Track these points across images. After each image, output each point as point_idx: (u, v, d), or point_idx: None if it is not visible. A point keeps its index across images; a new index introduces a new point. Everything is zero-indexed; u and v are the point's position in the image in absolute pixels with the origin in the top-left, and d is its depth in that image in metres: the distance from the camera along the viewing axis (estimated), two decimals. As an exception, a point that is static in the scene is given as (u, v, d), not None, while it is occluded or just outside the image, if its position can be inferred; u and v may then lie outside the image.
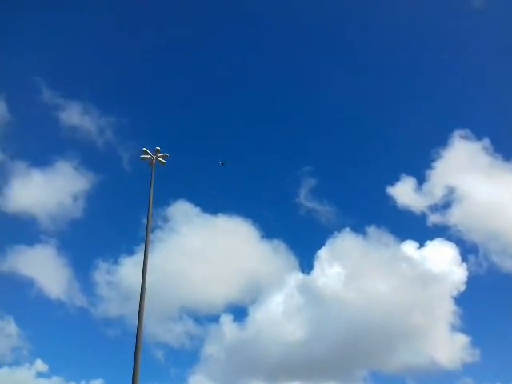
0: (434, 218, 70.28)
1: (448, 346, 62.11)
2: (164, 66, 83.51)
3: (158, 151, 21.18)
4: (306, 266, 72.08)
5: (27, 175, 68.81)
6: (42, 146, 79.30)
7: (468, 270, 64.57)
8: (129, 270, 62.31)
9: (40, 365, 58.06)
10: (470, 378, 62.79)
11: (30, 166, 69.83)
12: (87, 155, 76.18)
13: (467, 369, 64.54)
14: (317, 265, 67.82)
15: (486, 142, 71.04)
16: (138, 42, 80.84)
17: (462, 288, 62.25)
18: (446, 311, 61.05)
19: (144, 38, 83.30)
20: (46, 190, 70.33)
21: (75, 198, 69.67)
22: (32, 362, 57.80)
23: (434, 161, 72.95)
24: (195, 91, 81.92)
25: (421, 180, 71.74)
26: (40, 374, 57.70)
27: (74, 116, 69.51)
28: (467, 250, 69.69)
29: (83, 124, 70.65)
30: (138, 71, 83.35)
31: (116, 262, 69.24)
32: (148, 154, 21.22)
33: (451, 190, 70.16)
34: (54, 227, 69.63)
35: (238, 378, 65.46)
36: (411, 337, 60.13)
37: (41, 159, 77.00)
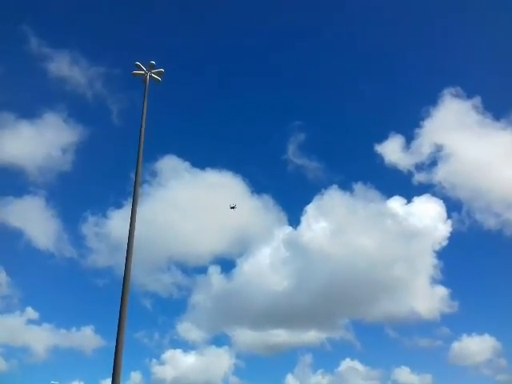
0: (419, 177, 70.45)
1: (428, 298, 63.87)
2: (158, 10, 78.98)
3: (152, 66, 19.39)
4: (294, 220, 72.13)
5: (15, 127, 65.65)
6: (30, 98, 75.74)
7: (452, 226, 65.62)
8: (117, 222, 61.17)
9: (31, 312, 57.88)
10: (448, 328, 64.94)
11: (18, 118, 66.66)
12: (76, 107, 73.04)
13: (445, 319, 66.71)
14: (304, 220, 67.81)
15: (477, 100, 70.45)
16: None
17: (445, 243, 63.35)
18: (427, 265, 62.32)
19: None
20: (35, 142, 67.49)
21: (64, 150, 67.26)
22: (23, 310, 57.46)
23: (423, 119, 72.33)
24: (190, 40, 78.20)
25: (409, 138, 71.29)
26: (31, 321, 57.54)
27: (63, 66, 65.80)
28: (451, 207, 70.50)
29: (72, 75, 67.07)
30: (130, 18, 78.76)
31: (104, 215, 68.01)
32: (141, 69, 19.43)
33: (439, 149, 70.03)
34: (43, 179, 67.46)
35: (224, 325, 66.33)
36: (393, 288, 61.49)
37: (29, 111, 73.81)
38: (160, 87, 20.29)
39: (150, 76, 19.42)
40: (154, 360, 61.77)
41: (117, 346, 13.97)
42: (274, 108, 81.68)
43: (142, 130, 18.61)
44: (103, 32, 75.98)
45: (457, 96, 70.75)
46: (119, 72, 68.79)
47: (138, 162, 17.74)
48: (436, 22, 78.03)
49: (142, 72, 19.42)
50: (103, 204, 77.36)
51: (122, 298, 14.72)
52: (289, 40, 79.97)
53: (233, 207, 55.70)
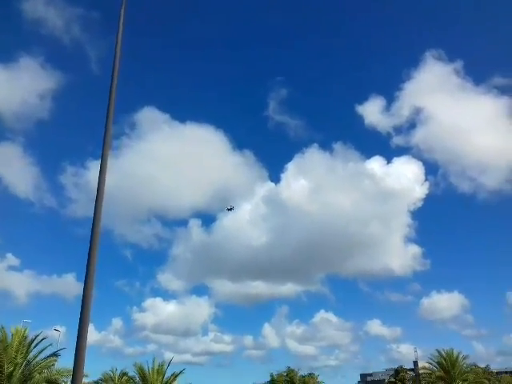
0: (397, 139, 71.59)
1: (401, 255, 66.88)
2: None
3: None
4: (274, 177, 73.30)
5: (-11, 71, 63.08)
6: (4, 40, 72.33)
7: (429, 188, 67.98)
8: (96, 173, 61.37)
9: (11, 259, 58.74)
10: (419, 284, 68.60)
11: (-8, 62, 63.79)
12: (53, 52, 69.79)
13: (417, 276, 70.22)
14: (284, 177, 68.97)
15: (459, 64, 70.73)
16: None
17: (420, 204, 65.76)
18: (402, 224, 64.73)
19: None
20: (11, 87, 65.35)
21: (41, 97, 65.43)
22: (3, 256, 58.23)
23: (404, 82, 72.54)
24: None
25: (390, 100, 71.76)
26: (12, 268, 58.51)
27: (38, 7, 62.71)
28: (428, 169, 72.39)
29: (48, 17, 64.07)
30: None
31: (83, 166, 67.65)
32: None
33: (418, 111, 70.93)
34: (20, 126, 65.98)
35: (204, 276, 68.60)
36: (368, 245, 64.01)
37: (3, 55, 70.67)
38: (139, 36, 19.34)
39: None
40: (135, 307, 63.82)
41: (84, 294, 14.58)
42: (256, 62, 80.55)
43: (118, 48, 18.03)
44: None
45: (439, 59, 71.05)
46: (97, 15, 66.35)
47: (111, 89, 17.52)
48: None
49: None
50: (82, 154, 76.78)
51: (90, 248, 15.17)
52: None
53: (230, 209, 56.26)
